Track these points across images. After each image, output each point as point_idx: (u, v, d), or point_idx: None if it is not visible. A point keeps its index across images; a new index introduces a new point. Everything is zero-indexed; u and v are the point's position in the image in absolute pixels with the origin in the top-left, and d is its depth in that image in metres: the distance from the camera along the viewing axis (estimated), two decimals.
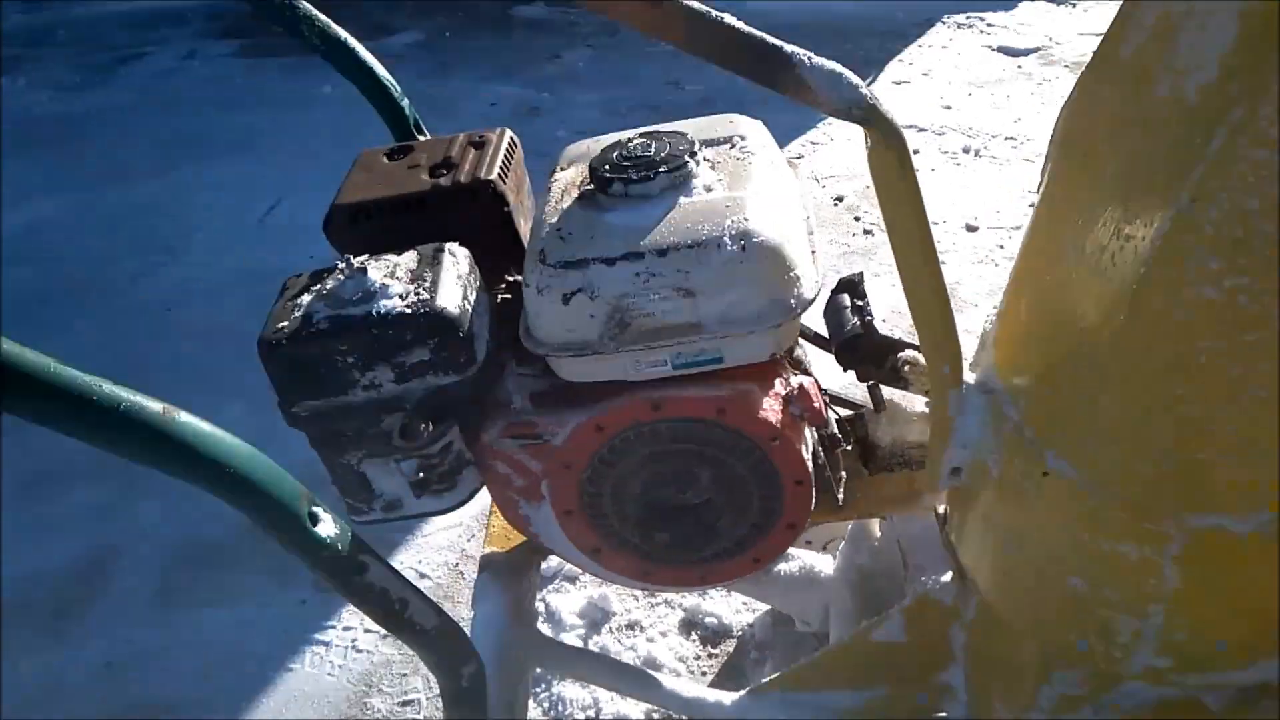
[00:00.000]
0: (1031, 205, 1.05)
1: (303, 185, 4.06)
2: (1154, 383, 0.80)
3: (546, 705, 1.89)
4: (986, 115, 4.36)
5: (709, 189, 1.14)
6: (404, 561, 2.26)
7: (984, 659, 1.24)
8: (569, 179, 1.26)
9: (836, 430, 1.38)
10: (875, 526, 1.72)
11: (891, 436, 1.47)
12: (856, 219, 3.65)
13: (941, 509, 1.27)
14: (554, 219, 1.17)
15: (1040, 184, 1.05)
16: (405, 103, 1.58)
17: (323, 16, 1.54)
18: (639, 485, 1.24)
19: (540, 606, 2.09)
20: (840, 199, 3.78)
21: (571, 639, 1.99)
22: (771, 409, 1.17)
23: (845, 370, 1.40)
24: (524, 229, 1.39)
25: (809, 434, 1.25)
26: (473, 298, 1.17)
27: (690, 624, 2.03)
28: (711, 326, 1.09)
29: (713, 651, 1.98)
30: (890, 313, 2.66)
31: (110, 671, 2.10)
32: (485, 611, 1.47)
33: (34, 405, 0.79)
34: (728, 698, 1.47)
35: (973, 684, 1.30)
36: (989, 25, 5.43)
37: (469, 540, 2.32)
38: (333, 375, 1.13)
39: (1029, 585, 1.02)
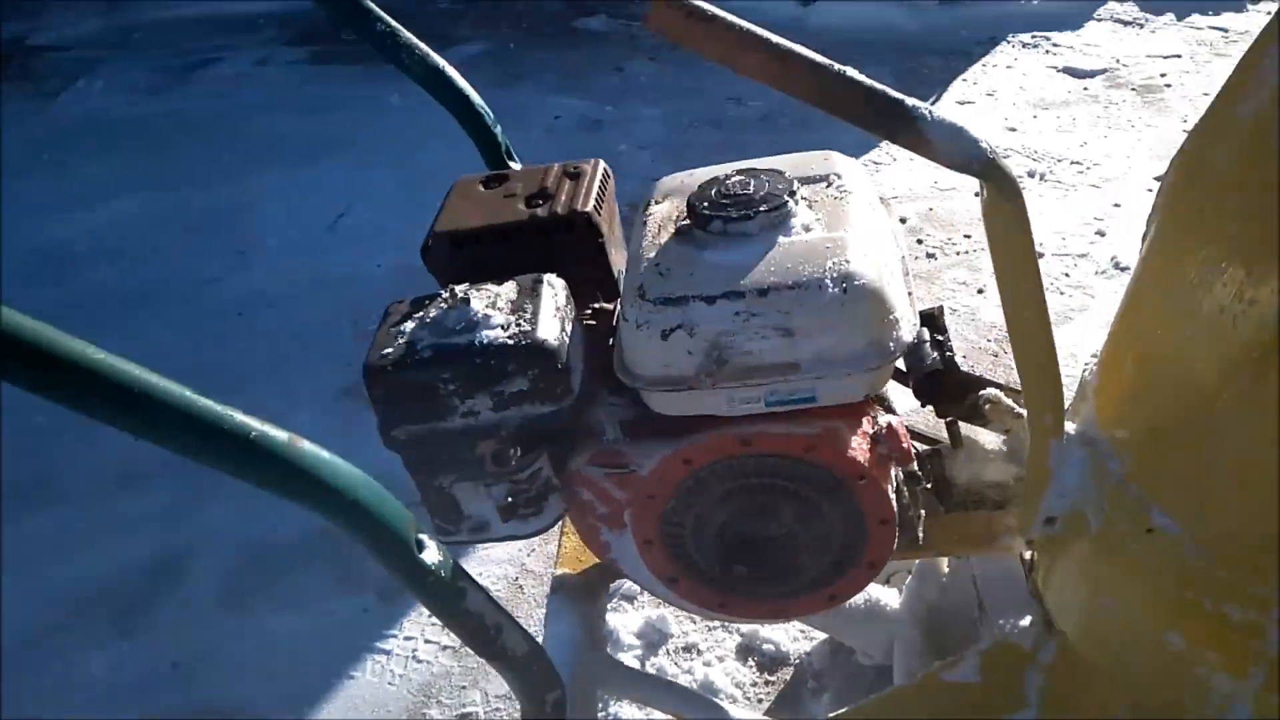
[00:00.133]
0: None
1: (372, 193, 4.14)
2: (1273, 448, 0.80)
3: None
4: (1052, 138, 4.32)
5: (808, 228, 1.15)
6: None
7: (1063, 707, 1.23)
8: (664, 213, 1.28)
9: (916, 468, 1.39)
10: (943, 563, 1.71)
11: (968, 474, 1.47)
12: (919, 241, 3.63)
13: (1028, 555, 1.27)
14: (652, 254, 1.19)
15: (1145, 236, 1.04)
16: (498, 130, 1.61)
17: (422, 45, 1.59)
18: (721, 518, 1.26)
19: None
20: (903, 220, 3.77)
21: (629, 659, 2.01)
22: (860, 448, 1.18)
23: (924, 405, 1.41)
24: (615, 260, 1.41)
25: (895, 473, 1.26)
26: (569, 329, 1.19)
27: (748, 650, 2.04)
28: (809, 367, 1.10)
29: (769, 679, 1.99)
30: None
31: (177, 671, 2.16)
32: (558, 632, 1.49)
33: (172, 435, 0.83)
34: None
35: None
36: (1054, 45, 5.37)
37: (529, 555, 2.35)
38: (434, 402, 1.16)
39: (1123, 638, 1.02)
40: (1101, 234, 3.43)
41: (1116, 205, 3.62)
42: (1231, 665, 0.92)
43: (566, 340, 1.17)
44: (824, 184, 1.25)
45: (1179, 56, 5.08)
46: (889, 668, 1.76)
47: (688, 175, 1.34)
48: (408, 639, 2.16)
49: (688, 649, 2.04)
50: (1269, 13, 5.15)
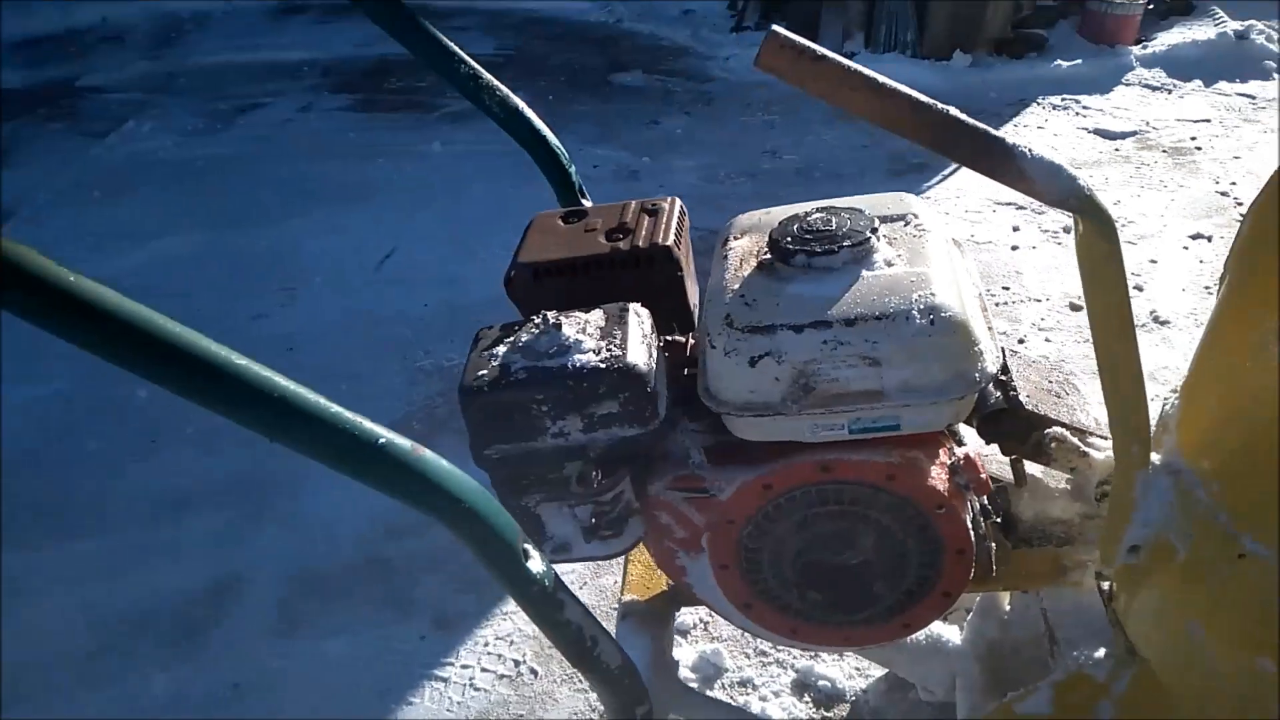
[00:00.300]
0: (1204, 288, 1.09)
1: (416, 236, 4.23)
2: None
3: None
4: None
5: (890, 264, 1.20)
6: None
7: None
8: (744, 248, 1.32)
9: (986, 502, 1.41)
10: (1005, 600, 1.73)
11: (1034, 511, 1.49)
12: None
13: (1106, 585, 1.29)
14: (735, 286, 1.23)
15: (1223, 278, 1.08)
16: (573, 169, 1.67)
17: (503, 88, 1.65)
18: (799, 545, 1.28)
19: None
20: None
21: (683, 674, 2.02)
22: (939, 478, 1.21)
23: (988, 444, 1.44)
24: (691, 293, 1.46)
25: (972, 503, 1.28)
26: (655, 356, 1.24)
27: (803, 685, 2.05)
28: (894, 395, 1.13)
29: (826, 715, 1.99)
30: None
31: (237, 692, 2.19)
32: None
33: (305, 439, 0.87)
34: None
35: None
36: (1084, 108, 5.46)
37: (581, 587, 2.37)
38: (526, 422, 1.19)
39: (1211, 665, 1.03)
40: (1140, 289, 3.47)
41: (1153, 261, 3.67)
42: None
43: (654, 366, 1.21)
44: (901, 223, 1.29)
45: (1208, 121, 5.15)
46: (947, 705, 1.76)
47: (764, 213, 1.39)
48: (464, 667, 2.18)
49: (743, 684, 2.05)
50: None
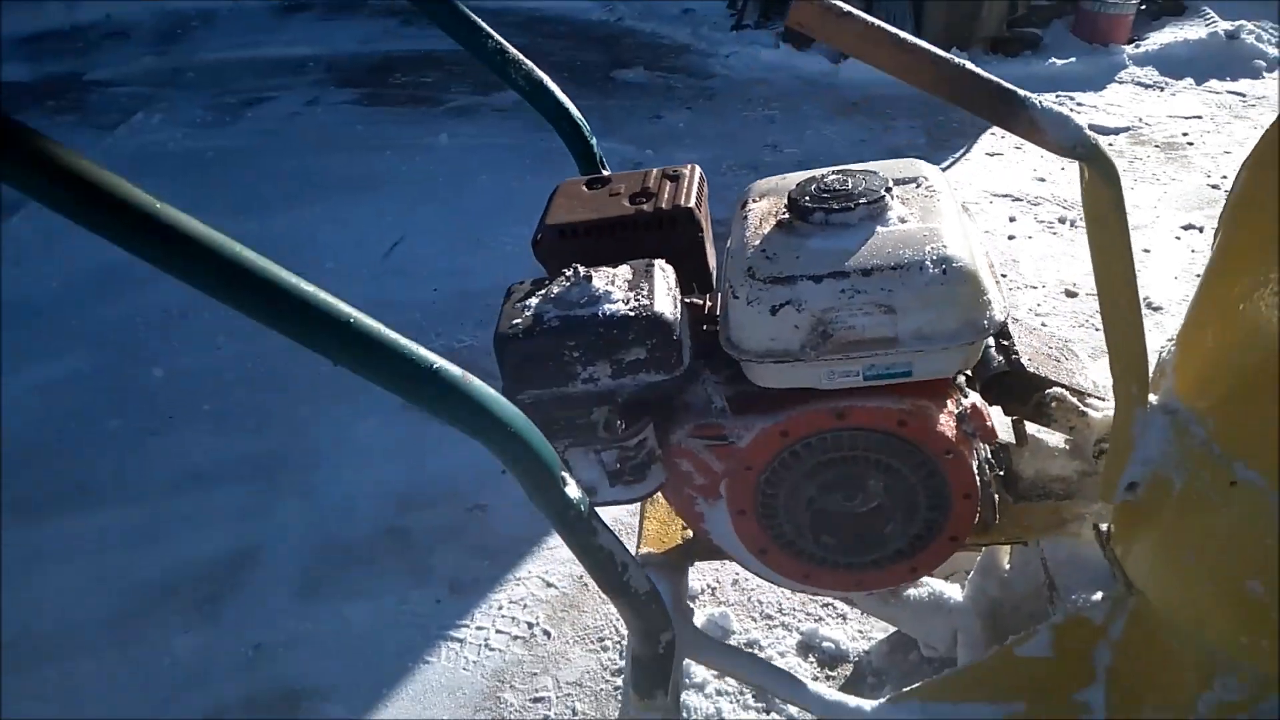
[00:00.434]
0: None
1: (423, 227, 4.29)
2: None
3: None
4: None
5: (903, 220, 1.27)
6: (532, 571, 2.39)
7: (1132, 674, 1.31)
8: (763, 210, 1.39)
9: (990, 456, 1.49)
10: (1005, 560, 1.80)
11: (1034, 469, 1.56)
12: None
13: (1104, 527, 1.36)
14: (756, 242, 1.30)
15: (1218, 232, 1.15)
16: (594, 141, 1.73)
17: (528, 62, 1.71)
18: (813, 490, 1.35)
19: None
20: None
21: None
22: (947, 424, 1.28)
23: (991, 406, 1.51)
24: (710, 256, 1.53)
25: (978, 450, 1.36)
26: (679, 306, 1.31)
27: (808, 647, 2.12)
28: (907, 341, 1.20)
29: (830, 674, 2.06)
30: None
31: (260, 652, 2.25)
32: None
33: (365, 363, 0.94)
34: (868, 704, 1.55)
35: (1112, 703, 1.36)
36: (1079, 105, 5.55)
37: None
38: (558, 368, 1.26)
39: (1205, 592, 1.10)
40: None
41: (1146, 251, 3.75)
42: None
43: (679, 315, 1.28)
44: (914, 185, 1.36)
45: (1199, 118, 5.25)
46: (949, 661, 1.83)
47: (780, 178, 1.46)
48: (479, 629, 2.25)
49: (749, 645, 2.12)
50: None
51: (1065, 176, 4.58)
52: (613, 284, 1.31)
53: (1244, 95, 5.53)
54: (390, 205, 4.56)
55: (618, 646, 2.14)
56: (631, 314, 1.25)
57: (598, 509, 1.43)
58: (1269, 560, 1.02)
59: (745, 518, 1.39)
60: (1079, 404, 1.52)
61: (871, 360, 1.23)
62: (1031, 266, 3.61)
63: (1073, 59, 6.09)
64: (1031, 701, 1.45)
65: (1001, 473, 1.53)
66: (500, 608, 2.31)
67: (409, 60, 6.82)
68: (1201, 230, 3.95)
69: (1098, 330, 3.28)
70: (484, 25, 1.67)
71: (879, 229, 1.25)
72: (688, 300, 1.49)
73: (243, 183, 4.98)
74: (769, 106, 5.69)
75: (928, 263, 1.18)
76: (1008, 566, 1.78)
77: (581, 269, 1.32)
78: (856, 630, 2.13)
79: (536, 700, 2.08)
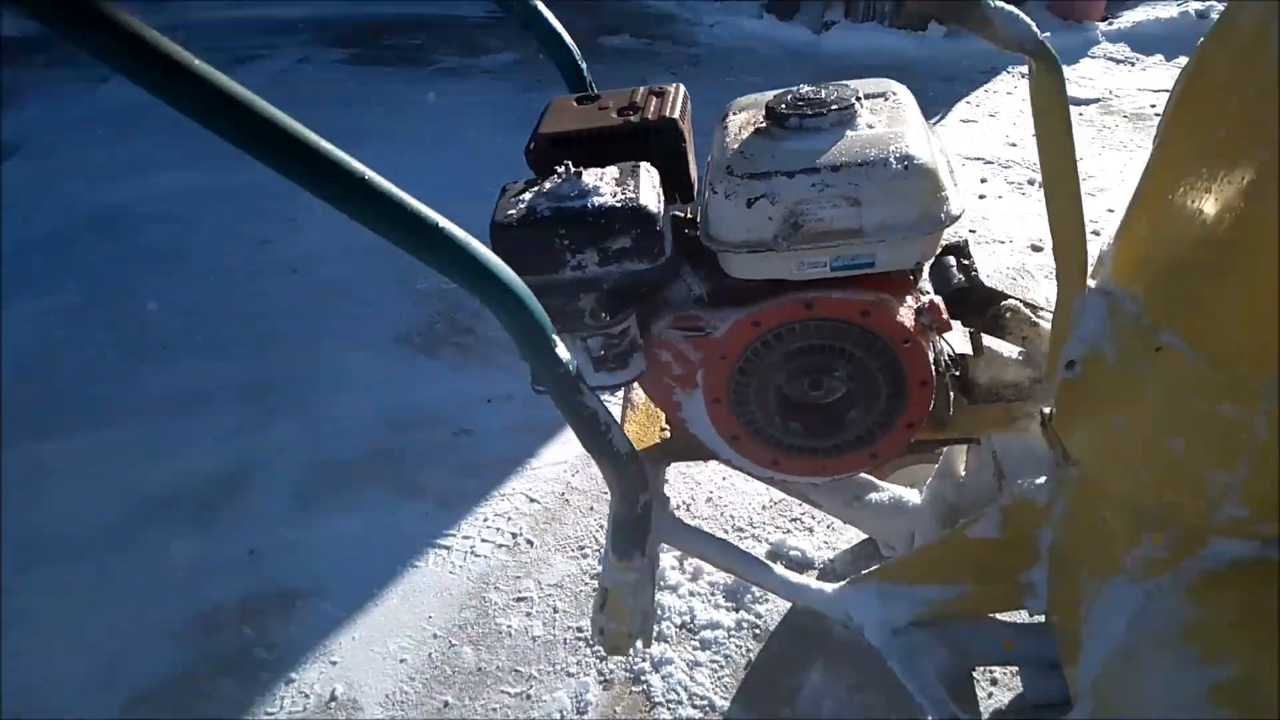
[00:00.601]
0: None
1: (412, 177, 4.33)
2: (1262, 253, 1.02)
3: None
4: (1028, 83, 4.57)
5: (871, 126, 1.38)
6: (517, 489, 2.51)
7: (1070, 546, 1.43)
8: (742, 120, 1.50)
9: (947, 358, 1.61)
10: (960, 467, 1.92)
11: (989, 377, 1.69)
12: None
13: (1047, 410, 1.48)
14: (735, 145, 1.41)
15: (1158, 135, 1.26)
16: (584, 65, 1.83)
17: None
18: (783, 377, 1.47)
19: None
20: None
21: (669, 560, 2.21)
22: (907, 316, 1.40)
23: (951, 319, 1.63)
24: (692, 169, 1.64)
25: (935, 343, 1.48)
26: (662, 202, 1.41)
27: (775, 555, 2.24)
28: (871, 232, 1.31)
29: None
30: None
31: (253, 558, 2.36)
32: None
33: (376, 218, 1.03)
34: (829, 587, 1.67)
35: (1054, 580, 1.49)
36: None
37: (573, 475, 2.56)
38: (549, 256, 1.36)
39: (1133, 454, 1.21)
40: (1096, 233, 3.69)
41: (1110, 210, 3.88)
42: (1223, 460, 1.13)
43: (662, 209, 1.39)
44: (883, 98, 1.48)
45: (1167, 91, 5.36)
46: None
47: (758, 95, 1.56)
48: (466, 538, 2.36)
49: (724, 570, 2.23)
50: None
51: (1035, 142, 4.70)
52: (601, 180, 1.41)
53: None
54: (379, 158, 4.49)
55: (597, 554, 2.26)
56: (618, 205, 1.35)
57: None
58: (1188, 419, 1.15)
59: (719, 405, 1.51)
60: (1031, 315, 1.65)
61: (838, 251, 1.34)
62: (1000, 224, 3.74)
63: (1048, 34, 5.96)
64: (980, 582, 1.57)
65: (958, 374, 1.66)
66: (486, 520, 2.42)
67: (399, 23, 6.86)
68: None
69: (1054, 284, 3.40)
70: None
71: (849, 133, 1.36)
72: (671, 210, 1.60)
73: None
74: (753, 74, 5.79)
75: (891, 159, 1.30)
76: (963, 473, 1.91)
77: (573, 166, 1.43)
78: (822, 541, 2.26)
79: (519, 600, 2.19)
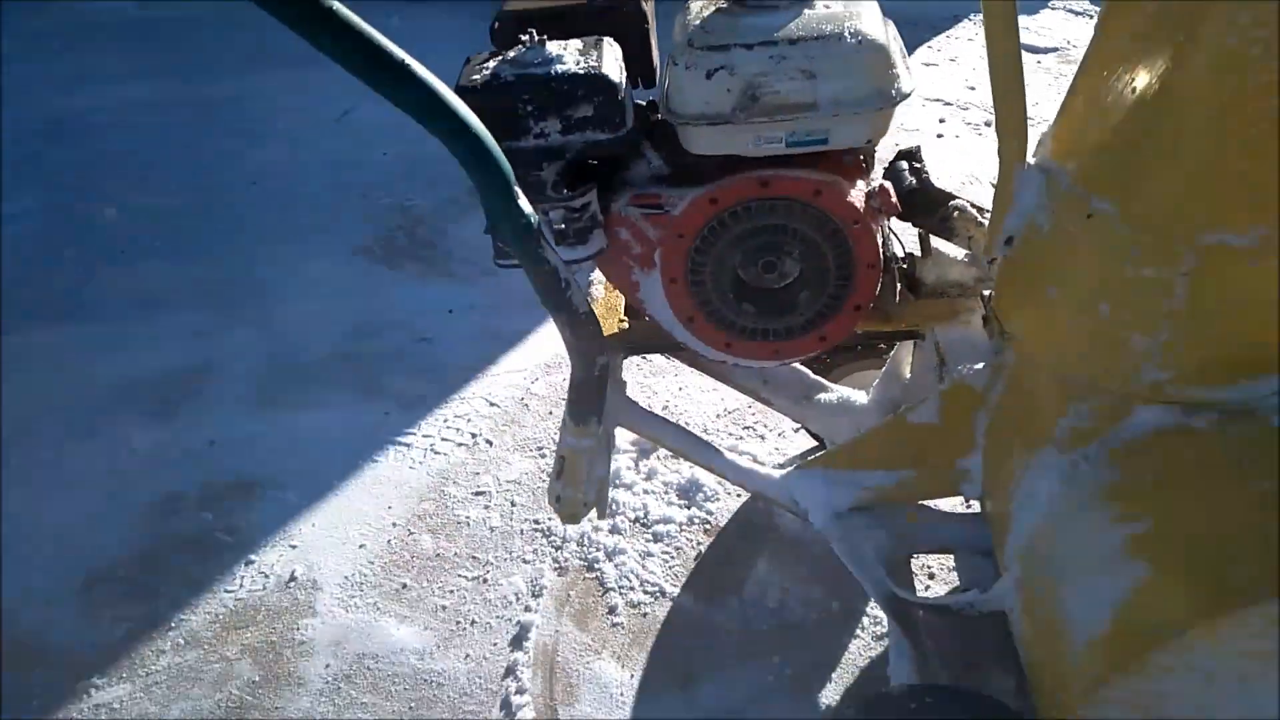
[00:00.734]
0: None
1: (374, 97, 4.29)
2: (1192, 116, 1.08)
3: None
4: None
5: (828, 6, 1.41)
6: (477, 393, 2.54)
7: (1004, 425, 1.49)
8: (703, 4, 1.53)
9: (896, 252, 1.66)
10: (906, 369, 1.99)
11: (936, 275, 1.74)
12: None
13: (986, 293, 1.54)
14: (697, 21, 1.43)
15: (1097, 28, 1.31)
16: None
17: None
18: (738, 257, 1.51)
19: None
20: None
21: (625, 461, 2.26)
22: (857, 198, 1.44)
23: (902, 220, 1.68)
24: (654, 50, 1.66)
25: (884, 227, 1.52)
26: (624, 74, 1.44)
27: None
28: (825, 106, 1.35)
29: None
30: None
31: (213, 448, 2.38)
32: None
33: (351, 57, 1.04)
34: (776, 472, 1.73)
35: (988, 463, 1.56)
36: None
37: (533, 382, 2.59)
38: (513, 122, 1.38)
39: (1063, 322, 1.27)
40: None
41: None
42: (1145, 324, 1.19)
43: (624, 80, 1.41)
44: None
45: None
46: None
47: None
48: (425, 437, 2.40)
49: (675, 455, 2.29)
50: None
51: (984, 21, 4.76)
52: (565, 49, 1.43)
53: None
54: (341, 76, 4.51)
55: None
56: (581, 73, 1.37)
57: None
58: (1114, 283, 1.20)
59: (676, 285, 1.54)
60: (978, 216, 1.69)
61: (793, 126, 1.38)
62: (958, 163, 3.79)
63: None
64: (921, 468, 1.64)
65: (906, 269, 1.71)
66: (446, 421, 2.45)
67: None
68: None
69: None
70: None
71: (807, 11, 1.40)
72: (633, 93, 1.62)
73: (196, 49, 4.94)
74: None
75: (846, 34, 1.33)
76: (909, 375, 1.97)
77: (537, 35, 1.44)
78: (773, 447, 2.32)
79: (478, 494, 2.24)
